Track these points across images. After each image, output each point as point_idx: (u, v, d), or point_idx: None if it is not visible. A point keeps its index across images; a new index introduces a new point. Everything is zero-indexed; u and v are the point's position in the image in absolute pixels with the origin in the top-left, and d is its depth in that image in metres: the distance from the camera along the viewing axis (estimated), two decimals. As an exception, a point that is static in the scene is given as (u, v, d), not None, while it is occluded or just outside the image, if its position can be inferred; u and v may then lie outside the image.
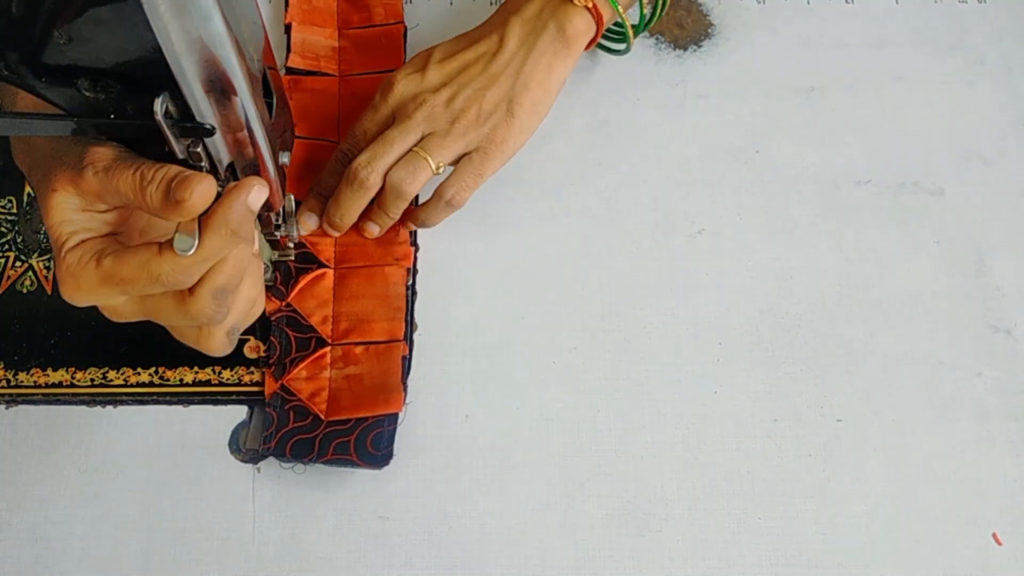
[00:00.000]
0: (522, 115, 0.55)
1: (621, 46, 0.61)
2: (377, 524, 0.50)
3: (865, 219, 0.58)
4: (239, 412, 0.53)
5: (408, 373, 0.53)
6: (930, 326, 0.55)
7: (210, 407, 0.53)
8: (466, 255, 0.57)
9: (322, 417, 0.51)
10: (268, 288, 0.54)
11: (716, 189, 0.59)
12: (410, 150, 0.54)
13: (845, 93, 0.62)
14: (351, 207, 0.54)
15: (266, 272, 0.56)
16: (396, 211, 0.55)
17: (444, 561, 0.49)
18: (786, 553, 0.50)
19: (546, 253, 0.57)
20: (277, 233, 0.52)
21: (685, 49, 0.64)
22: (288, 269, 0.55)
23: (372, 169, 0.53)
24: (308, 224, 0.56)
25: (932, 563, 0.50)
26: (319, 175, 0.57)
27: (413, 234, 0.57)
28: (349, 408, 0.52)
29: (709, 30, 0.65)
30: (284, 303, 0.54)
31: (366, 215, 0.56)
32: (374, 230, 0.56)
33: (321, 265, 0.56)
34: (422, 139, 0.54)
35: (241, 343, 0.54)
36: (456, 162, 0.55)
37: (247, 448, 0.52)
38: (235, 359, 0.54)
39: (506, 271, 0.57)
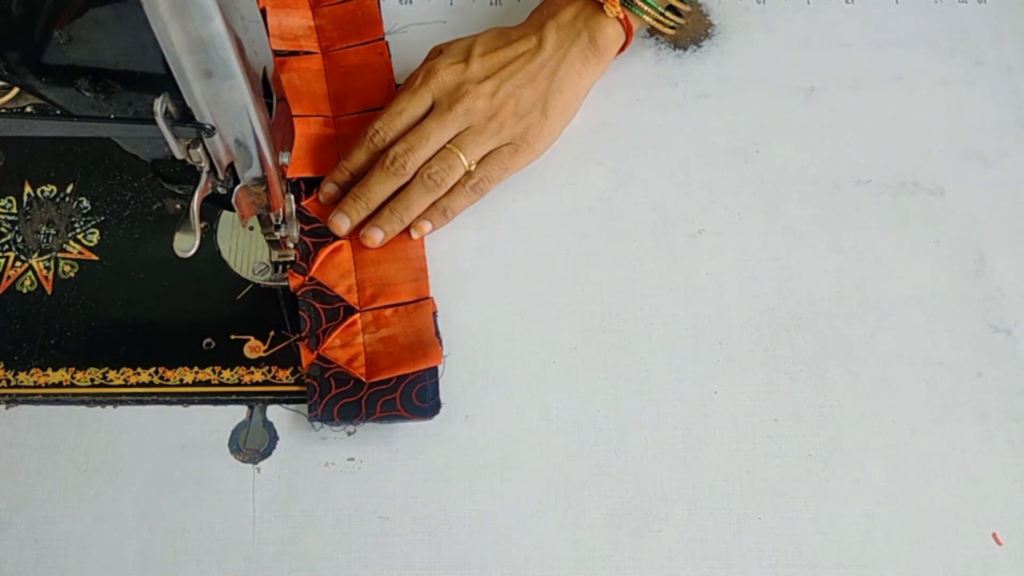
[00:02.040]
0: (554, 116, 0.57)
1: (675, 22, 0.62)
2: (377, 524, 0.50)
3: (865, 219, 0.58)
4: (239, 412, 0.53)
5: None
6: (930, 326, 0.55)
7: (210, 407, 0.53)
8: (466, 255, 0.57)
9: (363, 380, 0.52)
10: (290, 265, 0.55)
11: (716, 189, 0.59)
12: (445, 145, 0.55)
13: (845, 93, 0.62)
14: (380, 190, 0.55)
15: (265, 273, 0.56)
16: (422, 204, 0.56)
17: (444, 561, 0.49)
18: (786, 553, 0.50)
19: (546, 253, 0.57)
20: (277, 234, 0.52)
21: (685, 49, 0.64)
22: (306, 245, 0.56)
23: (407, 159, 0.54)
24: (329, 194, 0.57)
25: (932, 563, 0.50)
26: (347, 149, 0.57)
27: None
28: (389, 368, 0.52)
29: (709, 30, 0.65)
30: (308, 277, 0.55)
31: (378, 212, 0.56)
32: (378, 236, 0.55)
33: (337, 237, 0.56)
34: (458, 134, 0.55)
35: (241, 343, 0.54)
36: (487, 153, 0.56)
37: (247, 448, 0.52)
38: (235, 359, 0.54)
39: (506, 271, 0.57)
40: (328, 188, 0.57)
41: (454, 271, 0.56)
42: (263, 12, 0.62)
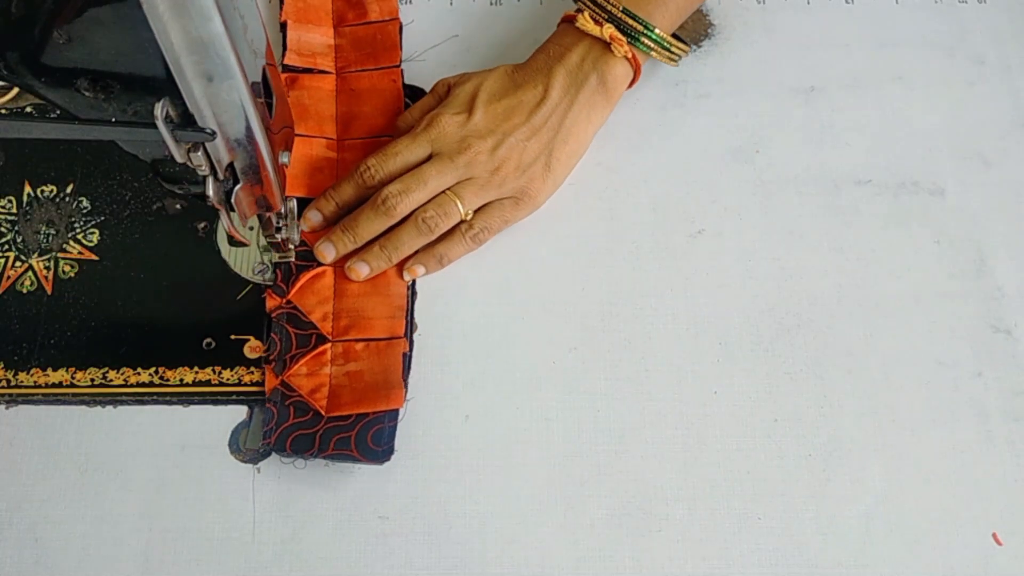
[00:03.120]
0: (558, 169, 0.57)
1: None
2: (377, 524, 0.50)
3: (865, 219, 0.58)
4: (239, 412, 0.53)
5: (409, 370, 0.53)
6: (930, 326, 0.55)
7: (210, 407, 0.53)
8: (466, 255, 0.57)
9: (322, 413, 0.51)
10: (269, 286, 0.55)
11: (716, 189, 0.59)
12: (443, 192, 0.54)
13: (845, 93, 0.62)
14: (369, 228, 0.55)
15: (265, 273, 0.56)
16: (412, 246, 0.55)
17: (444, 561, 0.49)
18: (786, 553, 0.50)
19: (546, 253, 0.57)
20: (278, 236, 0.52)
21: (685, 49, 0.64)
22: (288, 267, 0.55)
23: (399, 201, 0.54)
24: (312, 221, 0.56)
25: (932, 563, 0.50)
26: (337, 181, 0.57)
27: None
28: (349, 404, 0.51)
29: (709, 30, 0.65)
30: (285, 300, 0.54)
31: (368, 247, 0.55)
32: (363, 270, 0.55)
33: (321, 263, 0.56)
34: (458, 183, 0.55)
35: (241, 343, 0.54)
36: (487, 204, 0.56)
37: (247, 448, 0.52)
38: (235, 359, 0.54)
39: (506, 271, 0.57)
40: (312, 216, 0.56)
41: (454, 271, 0.56)
42: (283, 26, 0.62)
